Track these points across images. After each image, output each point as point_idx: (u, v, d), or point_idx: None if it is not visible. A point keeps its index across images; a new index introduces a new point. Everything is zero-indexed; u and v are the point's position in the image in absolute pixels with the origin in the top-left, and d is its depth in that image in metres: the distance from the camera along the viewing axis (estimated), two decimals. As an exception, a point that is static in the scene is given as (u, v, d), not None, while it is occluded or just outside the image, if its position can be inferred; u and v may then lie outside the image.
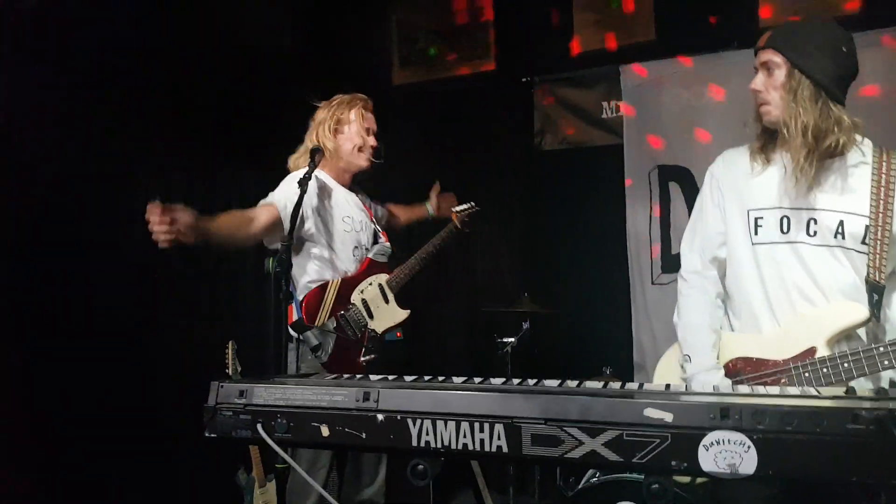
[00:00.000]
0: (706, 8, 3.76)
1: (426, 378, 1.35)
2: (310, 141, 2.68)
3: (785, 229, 1.82)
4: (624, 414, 1.04)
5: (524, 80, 4.24)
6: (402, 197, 3.26)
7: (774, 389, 1.25)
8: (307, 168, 2.41)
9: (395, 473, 2.68)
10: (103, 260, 3.21)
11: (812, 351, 1.77)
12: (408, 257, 2.83)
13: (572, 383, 1.27)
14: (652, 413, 1.03)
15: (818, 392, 1.17)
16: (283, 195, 2.48)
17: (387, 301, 2.68)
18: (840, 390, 1.16)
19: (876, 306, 1.74)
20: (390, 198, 3.14)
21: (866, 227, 1.74)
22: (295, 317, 2.49)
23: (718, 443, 0.99)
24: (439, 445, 1.12)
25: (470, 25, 4.43)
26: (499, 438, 1.10)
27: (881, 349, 1.67)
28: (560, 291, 4.00)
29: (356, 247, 2.66)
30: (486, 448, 1.10)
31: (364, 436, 1.16)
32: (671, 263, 3.79)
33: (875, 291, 1.73)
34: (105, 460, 3.18)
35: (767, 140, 1.88)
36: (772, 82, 1.80)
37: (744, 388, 1.34)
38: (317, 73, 4.11)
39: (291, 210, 2.28)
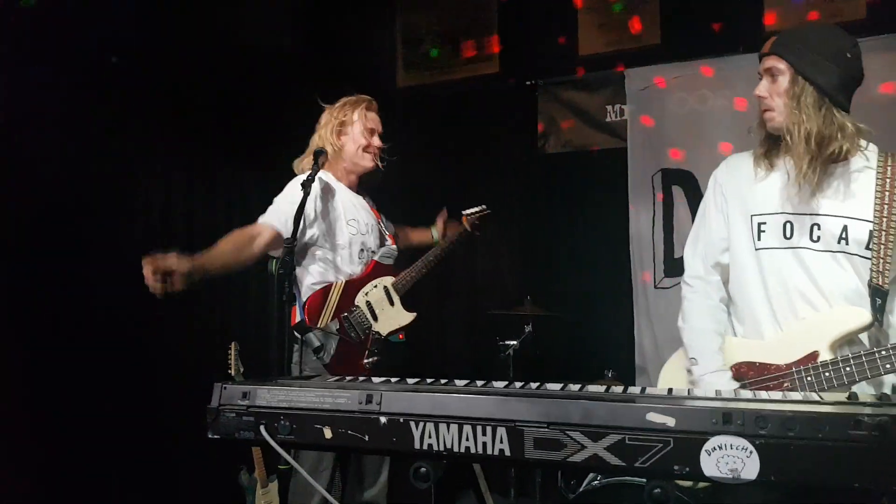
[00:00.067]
0: (711, 13, 3.77)
1: (429, 381, 1.35)
2: (314, 143, 2.68)
3: (788, 235, 1.82)
4: (626, 418, 1.05)
5: (528, 83, 4.25)
6: (403, 198, 3.26)
7: (777, 394, 1.25)
8: (311, 170, 2.42)
9: (396, 475, 2.68)
10: (103, 260, 3.21)
11: (815, 355, 1.77)
12: (414, 260, 2.83)
13: (574, 387, 1.27)
14: (654, 417, 1.03)
15: (820, 397, 1.17)
16: (283, 212, 2.43)
17: (392, 303, 2.67)
18: (842, 395, 1.16)
19: (879, 311, 1.73)
20: (392, 200, 3.13)
21: (870, 232, 1.74)
22: (298, 318, 2.49)
23: (720, 448, 1.00)
24: (442, 448, 1.13)
25: (474, 28, 4.44)
26: (501, 442, 1.10)
27: (883, 353, 1.67)
28: (562, 294, 4.00)
29: (362, 249, 2.65)
30: (489, 451, 1.11)
31: (367, 438, 1.17)
32: (674, 267, 3.79)
33: (878, 296, 1.73)
34: (106, 460, 3.18)
35: (771, 146, 1.88)
36: (775, 88, 1.80)
37: (746, 394, 1.34)
38: (321, 76, 4.12)
39: (293, 217, 2.28)
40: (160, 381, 3.36)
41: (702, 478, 1.00)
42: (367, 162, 2.70)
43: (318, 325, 2.47)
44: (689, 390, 1.31)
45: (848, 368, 1.70)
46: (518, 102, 4.29)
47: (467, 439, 1.12)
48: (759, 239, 1.86)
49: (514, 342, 3.47)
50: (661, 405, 1.04)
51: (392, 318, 2.66)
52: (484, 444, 1.11)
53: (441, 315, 4.37)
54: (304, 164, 2.67)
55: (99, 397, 3.12)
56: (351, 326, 2.55)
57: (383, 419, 1.16)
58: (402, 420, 1.15)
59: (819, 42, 1.78)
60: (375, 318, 2.61)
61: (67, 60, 3.12)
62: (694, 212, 2.11)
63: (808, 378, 1.75)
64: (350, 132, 2.69)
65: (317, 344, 2.33)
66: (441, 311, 4.37)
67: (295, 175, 2.63)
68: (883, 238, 1.72)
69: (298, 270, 2.56)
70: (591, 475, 2.66)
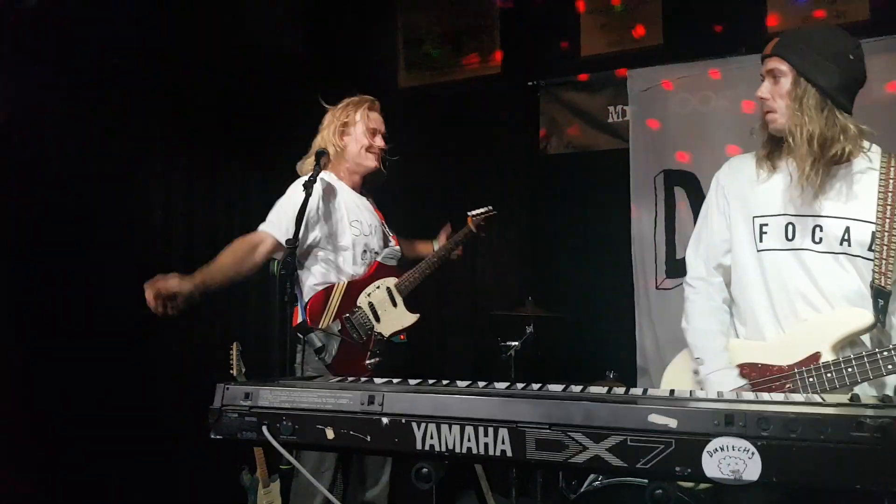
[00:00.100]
0: (714, 14, 3.77)
1: (430, 382, 1.36)
2: (317, 144, 2.68)
3: (790, 236, 1.82)
4: (628, 419, 1.05)
5: (530, 83, 4.25)
6: (405, 198, 3.26)
7: (779, 396, 1.25)
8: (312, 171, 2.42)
9: (398, 475, 2.68)
10: (104, 259, 3.22)
11: (816, 356, 1.77)
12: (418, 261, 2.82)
13: (576, 388, 1.27)
14: (656, 419, 1.03)
15: (822, 399, 1.17)
16: (285, 220, 2.43)
17: (395, 304, 2.66)
18: (844, 397, 1.16)
19: (881, 312, 1.73)
20: (394, 201, 3.13)
21: (873, 233, 1.74)
22: (300, 319, 2.49)
23: (722, 449, 1.00)
24: (444, 449, 1.13)
25: (476, 28, 4.44)
26: (503, 443, 1.10)
27: (885, 353, 1.67)
28: (564, 295, 4.00)
29: (365, 251, 2.65)
30: (491, 452, 1.11)
31: (369, 439, 1.17)
32: (675, 268, 3.79)
33: (881, 297, 1.73)
34: (107, 461, 3.18)
35: (773, 147, 1.88)
36: (777, 90, 1.80)
37: (748, 395, 1.34)
38: (321, 76, 4.12)
39: (295, 219, 2.28)
40: (162, 381, 3.36)
41: (704, 479, 1.01)
42: (370, 162, 2.70)
43: (320, 326, 2.47)
44: (690, 392, 1.30)
45: (850, 369, 1.70)
46: (520, 103, 4.29)
47: (469, 440, 1.12)
48: (760, 240, 1.86)
49: (516, 343, 3.47)
50: (663, 406, 1.05)
51: (395, 319, 2.65)
52: (486, 444, 1.11)
53: (442, 316, 4.38)
54: (306, 165, 2.67)
55: (100, 397, 3.12)
56: (353, 327, 2.55)
57: (385, 420, 1.16)
58: (403, 421, 1.15)
59: (821, 43, 1.78)
60: (378, 319, 2.61)
61: (67, 60, 3.12)
62: (696, 213, 2.11)
63: (810, 379, 1.75)
64: (352, 132, 2.68)
65: (318, 344, 2.33)
66: (442, 311, 4.37)
67: (298, 177, 2.63)
68: (886, 239, 1.72)
69: (301, 271, 2.56)
70: (592, 475, 2.66)
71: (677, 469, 1.02)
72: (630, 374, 3.78)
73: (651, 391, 1.27)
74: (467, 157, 4.38)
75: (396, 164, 2.83)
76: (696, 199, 3.72)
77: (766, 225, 1.86)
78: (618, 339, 3.90)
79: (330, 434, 1.19)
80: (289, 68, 4.12)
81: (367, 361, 2.53)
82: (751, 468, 0.99)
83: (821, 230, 1.79)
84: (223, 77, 3.79)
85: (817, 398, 1.20)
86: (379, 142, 2.71)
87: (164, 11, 3.45)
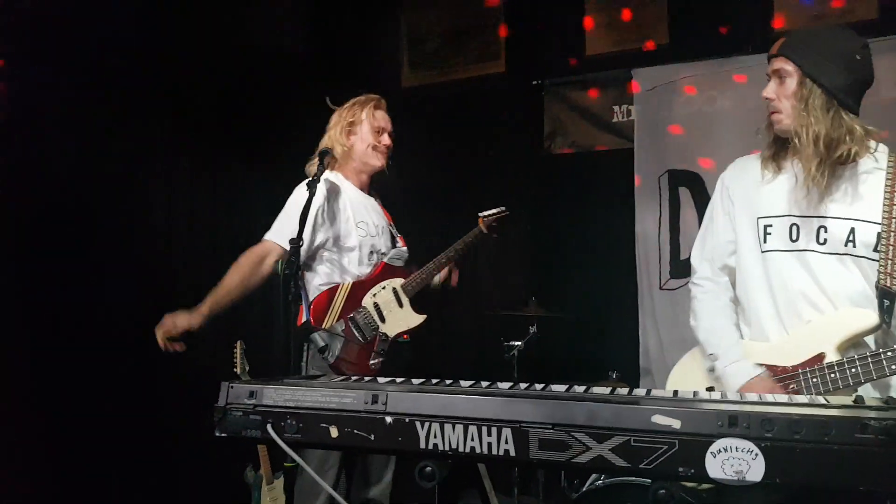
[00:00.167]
0: (719, 13, 3.75)
1: (434, 381, 1.36)
2: (324, 145, 2.68)
3: (794, 237, 1.82)
4: (632, 420, 1.05)
5: (534, 82, 4.24)
6: (408, 198, 3.25)
7: (783, 397, 1.25)
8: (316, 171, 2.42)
9: (400, 475, 2.68)
10: (104, 259, 3.22)
11: (821, 357, 1.76)
12: (426, 261, 2.81)
13: (580, 388, 1.27)
14: (660, 420, 1.03)
15: (826, 401, 1.17)
16: (291, 228, 2.39)
17: (401, 305, 2.65)
18: (848, 399, 1.16)
19: (887, 312, 1.73)
20: (397, 200, 3.12)
21: (878, 233, 1.74)
22: (304, 319, 2.50)
23: (726, 450, 1.00)
24: (447, 448, 1.13)
25: (480, 27, 4.43)
26: (506, 442, 1.11)
27: (889, 354, 1.67)
28: (567, 295, 4.00)
29: (371, 252, 2.64)
30: (494, 452, 1.11)
31: (372, 438, 1.18)
32: (680, 269, 3.78)
33: (886, 297, 1.72)
34: (110, 459, 3.19)
35: (779, 148, 1.87)
36: (783, 91, 1.80)
37: (752, 396, 1.34)
38: (324, 76, 4.12)
39: (299, 219, 2.28)
40: (166, 379, 3.36)
41: (707, 480, 1.01)
42: (377, 161, 2.69)
43: (323, 326, 2.47)
44: (694, 393, 1.30)
45: (853, 370, 1.70)
46: (524, 103, 4.28)
47: (472, 439, 1.13)
48: (764, 241, 1.86)
49: (519, 343, 3.47)
50: (666, 407, 1.05)
51: (401, 319, 2.64)
52: (489, 444, 1.12)
53: (445, 315, 4.38)
54: (313, 166, 2.66)
55: (102, 396, 3.13)
56: (357, 327, 2.54)
57: (389, 419, 1.17)
58: (407, 420, 1.16)
59: (828, 43, 1.77)
60: (383, 320, 2.60)
61: (67, 60, 3.12)
62: (700, 213, 2.11)
63: (814, 379, 1.75)
64: (359, 131, 2.67)
65: (321, 344, 2.33)
66: (445, 311, 4.37)
67: (306, 178, 2.63)
68: (892, 239, 1.71)
69: (308, 272, 2.56)
70: (594, 475, 2.67)
71: (681, 470, 1.02)
72: (633, 374, 3.77)
73: (655, 392, 1.27)
74: (471, 157, 4.37)
75: (399, 164, 2.82)
76: (701, 199, 3.71)
77: (771, 226, 1.85)
78: (621, 340, 3.90)
79: (334, 432, 1.20)
80: (290, 68, 4.12)
81: (371, 362, 2.53)
82: (754, 469, 0.99)
83: (825, 231, 1.78)
84: (224, 77, 3.80)
85: (821, 399, 1.20)
86: (385, 140, 2.70)
87: (164, 11, 3.46)
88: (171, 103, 3.60)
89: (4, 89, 2.97)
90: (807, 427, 0.98)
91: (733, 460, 0.99)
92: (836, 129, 1.73)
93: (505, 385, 1.32)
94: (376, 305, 2.60)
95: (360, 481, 2.64)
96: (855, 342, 1.78)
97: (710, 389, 1.76)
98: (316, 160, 2.63)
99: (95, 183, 3.27)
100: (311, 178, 2.39)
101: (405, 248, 2.78)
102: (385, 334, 2.58)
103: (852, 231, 1.76)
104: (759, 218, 1.88)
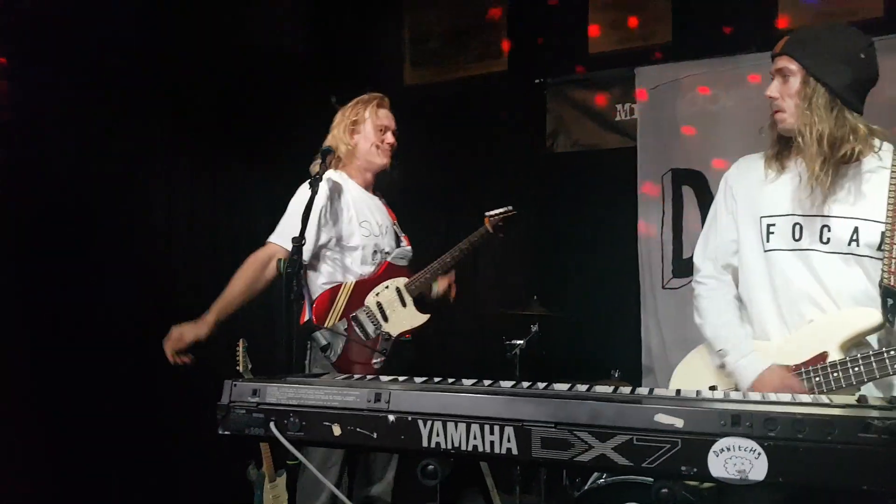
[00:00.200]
0: (723, 11, 3.75)
1: (436, 380, 1.36)
2: (328, 144, 2.67)
3: (797, 237, 1.82)
4: (634, 419, 1.05)
5: (537, 81, 4.24)
6: (410, 196, 3.23)
7: (786, 397, 1.25)
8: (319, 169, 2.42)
9: (402, 473, 2.68)
10: (105, 259, 3.23)
11: (824, 356, 1.76)
12: (426, 260, 2.80)
13: (582, 387, 1.27)
14: (662, 419, 1.03)
15: (830, 400, 1.17)
16: (295, 230, 2.38)
17: (404, 304, 2.64)
18: (851, 398, 1.16)
19: (890, 311, 1.72)
20: (399, 199, 3.11)
21: (882, 232, 1.73)
22: (307, 317, 2.50)
23: (729, 449, 1.00)
24: (449, 447, 1.14)
25: (482, 26, 4.43)
26: (508, 441, 1.11)
27: (892, 353, 1.67)
28: (569, 294, 4.00)
29: (375, 251, 2.63)
30: (496, 450, 1.11)
31: (375, 436, 1.18)
32: (682, 268, 3.78)
33: (890, 296, 1.72)
34: (112, 458, 3.20)
35: (782, 147, 1.87)
36: (787, 89, 1.79)
37: (755, 395, 1.34)
38: (326, 75, 4.12)
39: (301, 218, 2.27)
40: (166, 378, 3.36)
41: (709, 479, 1.01)
42: (380, 159, 2.68)
43: (325, 325, 2.47)
44: (697, 392, 1.30)
45: (856, 368, 1.70)
46: (526, 101, 4.28)
47: (475, 438, 1.13)
48: (767, 241, 1.86)
49: (521, 342, 3.47)
50: (669, 406, 1.05)
51: (404, 319, 2.63)
52: (491, 443, 1.12)
53: (447, 314, 4.37)
54: (317, 165, 2.66)
55: (103, 396, 3.13)
56: (359, 326, 2.54)
57: (391, 417, 1.17)
58: (410, 418, 1.16)
59: (832, 42, 1.77)
60: (386, 319, 2.59)
61: (67, 60, 3.13)
62: (703, 212, 2.11)
63: (817, 378, 1.75)
64: (362, 130, 2.67)
65: (323, 343, 2.33)
66: (447, 309, 4.37)
67: (309, 178, 2.62)
68: (895, 238, 1.71)
69: (311, 271, 2.56)
70: (596, 474, 2.67)
71: (683, 469, 1.02)
72: (635, 373, 3.77)
73: (657, 391, 1.27)
74: (472, 156, 4.37)
75: (401, 162, 2.82)
76: (704, 198, 3.71)
77: (774, 225, 1.85)
78: (623, 339, 3.90)
79: (336, 431, 1.20)
80: (290, 68, 4.12)
81: (374, 361, 2.53)
82: (757, 468, 0.99)
83: (829, 230, 1.78)
84: (224, 77, 3.80)
85: (824, 399, 1.20)
86: (389, 139, 2.70)
87: (163, 11, 3.46)
88: (171, 103, 3.60)
89: (5, 89, 2.98)
90: (810, 426, 0.98)
91: (736, 459, 0.99)
92: (839, 128, 1.72)
93: (507, 384, 1.32)
94: (379, 305, 2.60)
95: (362, 479, 2.64)
96: (858, 341, 1.78)
97: (713, 388, 1.77)
98: (318, 159, 2.63)
99: (95, 183, 3.27)
100: (313, 177, 2.39)
101: (409, 248, 2.77)
102: (388, 333, 2.58)
103: (856, 230, 1.75)
104: (762, 217, 1.87)
